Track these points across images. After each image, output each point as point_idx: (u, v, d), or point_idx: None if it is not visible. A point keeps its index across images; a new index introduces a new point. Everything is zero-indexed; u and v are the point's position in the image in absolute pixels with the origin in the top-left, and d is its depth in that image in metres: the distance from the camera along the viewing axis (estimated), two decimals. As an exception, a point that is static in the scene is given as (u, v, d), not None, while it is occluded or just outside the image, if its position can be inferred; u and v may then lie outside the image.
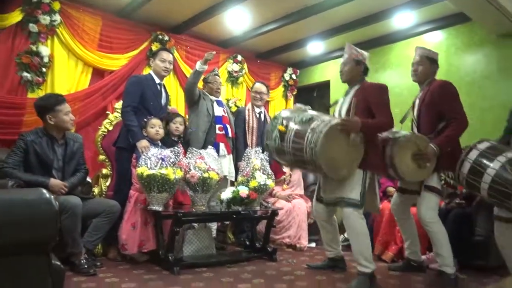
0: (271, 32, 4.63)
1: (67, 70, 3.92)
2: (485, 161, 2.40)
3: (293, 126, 2.51)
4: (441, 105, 2.68)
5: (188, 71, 4.58)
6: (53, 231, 1.06)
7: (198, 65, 3.47)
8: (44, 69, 3.71)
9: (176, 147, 2.97)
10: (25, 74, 3.60)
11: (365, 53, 2.85)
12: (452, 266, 2.66)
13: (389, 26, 4.53)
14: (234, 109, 4.81)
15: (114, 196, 3.21)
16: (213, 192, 3.21)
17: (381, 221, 3.57)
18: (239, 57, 5.19)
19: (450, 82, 2.76)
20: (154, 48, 4.35)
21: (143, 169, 2.77)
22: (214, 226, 3.75)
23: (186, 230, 3.20)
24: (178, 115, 3.57)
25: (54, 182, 2.68)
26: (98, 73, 4.10)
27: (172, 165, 2.86)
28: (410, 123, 2.92)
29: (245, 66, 5.28)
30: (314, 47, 5.21)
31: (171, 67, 3.47)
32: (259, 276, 2.69)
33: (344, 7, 4.01)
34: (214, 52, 3.51)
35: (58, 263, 1.07)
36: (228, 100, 5.02)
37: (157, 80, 3.38)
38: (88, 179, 3.45)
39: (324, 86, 5.62)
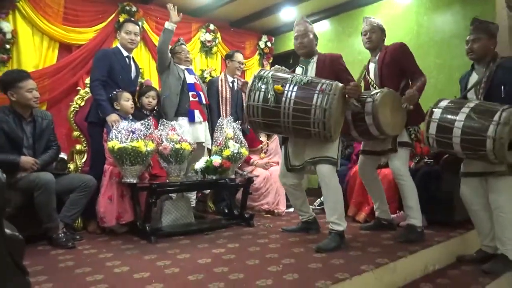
0: None
1: (33, 46, 3.82)
2: (450, 116, 2.41)
3: (291, 87, 2.47)
4: (402, 63, 2.82)
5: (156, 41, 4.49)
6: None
7: (167, 24, 3.45)
8: (8, 46, 3.61)
9: (146, 120, 2.97)
10: (-12, 51, 3.51)
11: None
12: (419, 219, 2.80)
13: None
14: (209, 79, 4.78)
15: (90, 171, 3.23)
16: (189, 162, 3.26)
17: (354, 184, 3.68)
18: (212, 26, 5.11)
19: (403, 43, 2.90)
20: (121, 19, 4.24)
21: (113, 143, 2.78)
22: (193, 196, 3.82)
23: (164, 201, 3.26)
24: (152, 88, 3.55)
25: (25, 159, 2.68)
26: (65, 48, 4.02)
27: (143, 137, 2.87)
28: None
29: (219, 35, 5.21)
30: (287, 13, 5.15)
31: (138, 38, 3.40)
32: (235, 241, 2.78)
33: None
34: (181, 14, 3.48)
35: (15, 233, 1.10)
36: (202, 71, 4.97)
37: (125, 53, 3.32)
38: (64, 156, 3.47)
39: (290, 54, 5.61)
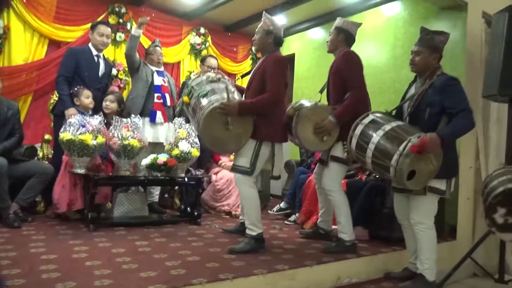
0: (234, 2, 4.63)
1: (24, 41, 4.15)
2: (367, 136, 2.41)
3: (193, 99, 2.64)
4: (344, 73, 2.78)
5: (148, 44, 4.72)
6: None
7: (133, 30, 3.65)
8: (0, 40, 3.97)
9: (98, 116, 3.18)
10: (-19, 46, 3.88)
11: (279, 24, 2.89)
12: (349, 234, 2.80)
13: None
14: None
15: (52, 160, 3.49)
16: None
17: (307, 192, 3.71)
18: (202, 30, 5.28)
19: (353, 51, 2.84)
20: (111, 20, 4.52)
21: (64, 134, 3.01)
22: (156, 191, 3.99)
23: (118, 193, 3.46)
24: (111, 92, 3.76)
25: (-16, 145, 2.97)
26: (54, 43, 4.32)
27: (94, 132, 3.08)
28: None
29: (209, 38, 5.37)
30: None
31: (109, 41, 3.65)
32: (166, 236, 2.92)
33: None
34: (148, 18, 3.69)
35: None
36: (190, 72, 5.16)
37: (95, 52, 3.57)
38: (36, 145, 3.75)
39: (290, 59, 5.66)
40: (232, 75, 5.55)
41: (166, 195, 4.44)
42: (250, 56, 5.82)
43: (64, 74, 3.38)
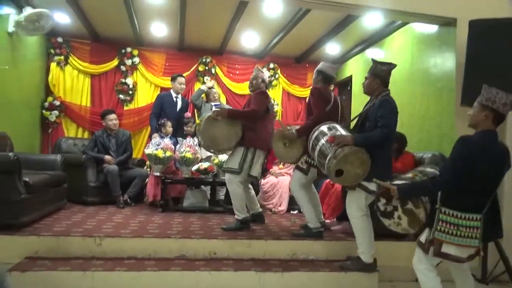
0: (290, 36, 5.62)
1: (146, 91, 6.28)
2: (319, 138, 3.08)
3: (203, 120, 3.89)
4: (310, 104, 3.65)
5: (228, 83, 6.31)
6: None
7: (202, 86, 5.32)
8: (131, 92, 6.16)
9: (171, 138, 4.84)
10: (120, 96, 6.13)
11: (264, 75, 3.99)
12: (314, 222, 3.58)
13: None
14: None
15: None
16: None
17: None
18: (272, 65, 6.55)
19: (317, 87, 3.64)
20: (200, 69, 6.28)
21: (148, 150, 4.73)
22: (222, 192, 5.37)
23: (186, 190, 5.00)
24: (190, 121, 5.36)
25: (107, 157, 4.91)
26: (164, 89, 6.31)
27: (165, 148, 4.72)
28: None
29: (279, 71, 6.59)
30: (331, 48, 6.06)
31: (184, 86, 5.36)
32: (199, 221, 4.21)
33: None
34: (213, 83, 5.25)
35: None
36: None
37: (174, 95, 5.31)
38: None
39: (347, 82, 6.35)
40: (302, 98, 6.62)
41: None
42: (318, 81, 6.74)
43: (153, 112, 5.21)
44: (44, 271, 2.78)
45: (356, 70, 6.21)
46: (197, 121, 4.01)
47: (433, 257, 2.43)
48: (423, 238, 2.52)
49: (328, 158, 2.91)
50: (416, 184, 2.52)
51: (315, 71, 3.78)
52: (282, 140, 3.63)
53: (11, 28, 4.62)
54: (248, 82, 4.06)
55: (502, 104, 2.29)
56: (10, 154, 3.35)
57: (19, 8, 4.66)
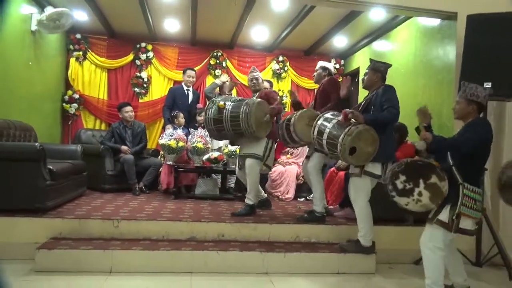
0: (300, 29, 5.79)
1: (160, 84, 6.54)
2: (325, 123, 3.30)
3: (229, 103, 3.99)
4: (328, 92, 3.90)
5: (239, 76, 6.52)
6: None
7: (217, 80, 5.49)
8: (145, 85, 6.43)
9: (183, 129, 5.09)
10: (136, 89, 6.41)
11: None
12: (319, 206, 3.79)
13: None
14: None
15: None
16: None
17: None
18: (281, 58, 6.72)
19: (332, 77, 3.96)
20: (212, 62, 6.50)
21: (162, 140, 5.00)
22: (232, 180, 5.63)
23: (198, 178, 5.27)
24: (202, 111, 5.60)
25: (123, 147, 5.22)
26: (177, 83, 6.56)
27: (177, 139, 4.98)
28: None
29: (288, 64, 6.76)
30: (340, 40, 6.20)
31: (194, 79, 5.58)
32: (210, 207, 4.47)
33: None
34: (225, 78, 5.46)
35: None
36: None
37: (185, 87, 5.55)
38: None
39: (355, 74, 6.48)
40: (311, 90, 6.79)
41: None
42: (326, 73, 6.90)
43: (166, 104, 5.47)
44: (68, 250, 3.07)
45: (363, 62, 6.34)
46: (220, 104, 3.98)
47: (453, 233, 2.56)
48: (443, 216, 2.59)
49: (341, 137, 3.04)
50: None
51: (320, 67, 4.01)
52: (307, 119, 3.75)
53: (33, 26, 4.92)
54: (250, 83, 4.29)
55: (483, 97, 2.59)
56: (36, 144, 3.66)
57: (41, 8, 4.96)
